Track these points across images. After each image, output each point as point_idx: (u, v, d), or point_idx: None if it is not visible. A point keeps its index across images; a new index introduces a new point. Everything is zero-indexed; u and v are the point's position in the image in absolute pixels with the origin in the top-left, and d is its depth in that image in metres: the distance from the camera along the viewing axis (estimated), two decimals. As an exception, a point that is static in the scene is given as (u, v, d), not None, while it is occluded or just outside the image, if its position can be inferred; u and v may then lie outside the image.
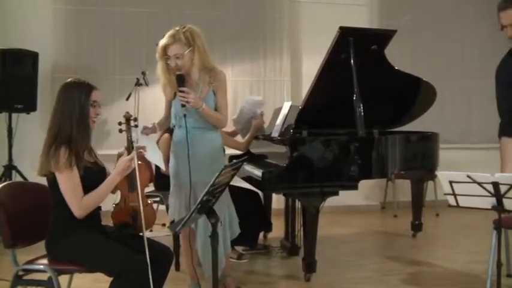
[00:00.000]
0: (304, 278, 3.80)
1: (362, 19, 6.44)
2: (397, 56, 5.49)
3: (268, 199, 4.97)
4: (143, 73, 5.60)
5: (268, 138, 4.30)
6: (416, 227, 5.21)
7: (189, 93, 3.01)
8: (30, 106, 5.43)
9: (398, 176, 5.63)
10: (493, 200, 2.34)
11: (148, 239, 2.79)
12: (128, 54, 6.24)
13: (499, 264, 2.45)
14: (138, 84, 5.63)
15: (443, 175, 2.41)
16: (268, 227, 4.87)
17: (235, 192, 3.47)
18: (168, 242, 2.78)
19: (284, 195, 4.42)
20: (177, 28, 3.08)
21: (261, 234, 4.77)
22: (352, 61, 4.03)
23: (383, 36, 4.29)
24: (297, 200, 4.28)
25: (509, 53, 2.89)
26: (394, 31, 4.22)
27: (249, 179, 4.07)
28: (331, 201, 3.83)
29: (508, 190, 2.30)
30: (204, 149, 3.18)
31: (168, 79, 3.13)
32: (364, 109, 3.96)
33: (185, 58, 3.04)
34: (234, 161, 2.64)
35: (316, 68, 4.09)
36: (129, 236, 2.71)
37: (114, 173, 2.59)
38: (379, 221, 6.34)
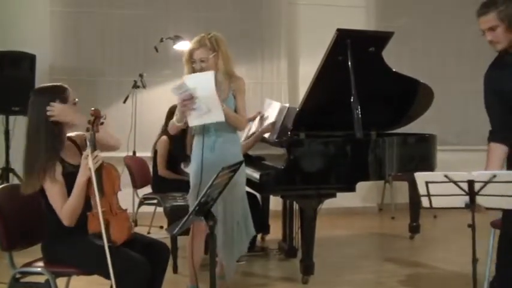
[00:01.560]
0: (301, 280, 3.80)
1: (359, 21, 6.44)
2: (395, 57, 5.49)
3: (266, 201, 4.96)
4: (141, 75, 5.59)
5: (266, 140, 4.30)
6: (414, 228, 5.21)
7: None
8: (27, 109, 5.38)
9: (395, 177, 5.62)
10: (467, 198, 2.38)
11: (144, 236, 2.82)
12: (125, 57, 6.22)
13: (474, 260, 2.52)
14: (135, 86, 5.62)
15: (419, 176, 2.44)
16: (265, 229, 4.87)
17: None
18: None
19: (282, 197, 4.41)
20: (203, 34, 3.27)
21: (259, 236, 4.76)
22: (349, 63, 4.02)
23: (380, 38, 4.29)
24: (294, 202, 4.28)
25: (496, 58, 2.86)
26: (392, 33, 4.22)
27: (246, 181, 4.06)
28: (328, 203, 3.83)
29: (482, 188, 2.33)
30: (224, 151, 3.27)
31: None
32: (361, 111, 3.96)
33: (209, 62, 3.21)
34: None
35: (314, 70, 4.09)
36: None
37: (79, 174, 2.48)
38: (376, 223, 6.34)
